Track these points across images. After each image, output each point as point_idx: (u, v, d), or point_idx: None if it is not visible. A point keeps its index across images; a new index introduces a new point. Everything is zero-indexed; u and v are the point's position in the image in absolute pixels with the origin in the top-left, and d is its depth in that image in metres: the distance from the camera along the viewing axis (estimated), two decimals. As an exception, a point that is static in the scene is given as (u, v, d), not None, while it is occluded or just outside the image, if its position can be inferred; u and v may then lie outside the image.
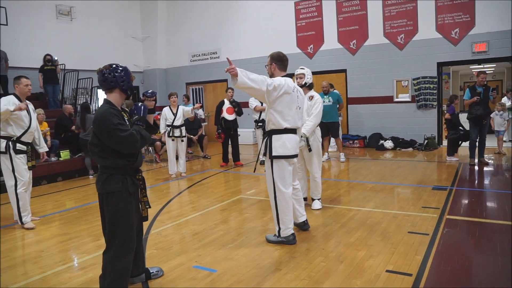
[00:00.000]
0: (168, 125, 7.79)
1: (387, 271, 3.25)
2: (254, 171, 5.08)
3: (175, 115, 7.80)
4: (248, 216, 5.03)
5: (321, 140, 5.19)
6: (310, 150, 4.94)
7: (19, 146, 4.83)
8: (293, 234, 3.96)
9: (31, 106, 5.08)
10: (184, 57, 14.26)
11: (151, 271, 3.28)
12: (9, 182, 4.82)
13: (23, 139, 4.87)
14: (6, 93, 9.48)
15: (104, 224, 2.88)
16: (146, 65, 14.57)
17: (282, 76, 3.87)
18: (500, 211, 4.82)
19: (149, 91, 3.23)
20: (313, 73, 5.51)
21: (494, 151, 9.04)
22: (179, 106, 7.99)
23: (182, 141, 7.90)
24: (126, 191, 2.81)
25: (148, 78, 14.69)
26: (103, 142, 2.75)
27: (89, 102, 9.99)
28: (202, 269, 3.45)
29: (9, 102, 4.71)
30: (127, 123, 2.85)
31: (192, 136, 10.28)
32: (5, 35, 9.98)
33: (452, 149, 8.28)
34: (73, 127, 8.45)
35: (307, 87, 5.03)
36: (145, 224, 4.76)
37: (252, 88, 3.59)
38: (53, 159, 8.04)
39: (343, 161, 8.70)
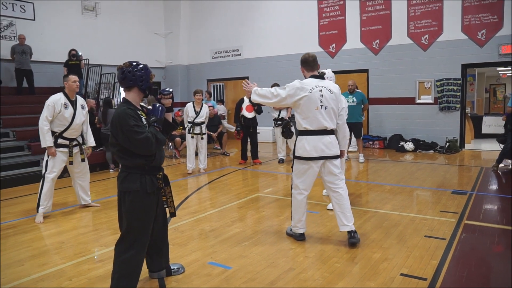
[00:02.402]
0: (189, 122, 7.88)
1: (401, 274, 3.23)
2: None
3: (197, 113, 7.87)
4: (264, 215, 5.06)
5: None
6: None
7: (60, 141, 5.09)
8: (302, 234, 4.06)
9: (80, 102, 5.29)
10: (206, 54, 14.38)
11: (172, 268, 3.33)
12: (43, 170, 5.09)
13: (65, 135, 5.11)
14: (32, 87, 9.80)
15: (121, 219, 2.95)
16: (168, 61, 14.75)
17: (310, 77, 3.94)
18: (521, 218, 4.71)
19: (166, 89, 3.23)
20: (334, 72, 5.44)
21: None
22: (203, 104, 8.08)
23: (202, 138, 7.98)
24: (144, 191, 2.83)
25: (170, 74, 14.88)
26: (120, 142, 2.80)
27: (111, 97, 10.18)
28: (217, 265, 3.50)
29: (58, 102, 5.00)
30: (145, 123, 2.86)
31: (212, 133, 10.37)
32: (32, 30, 10.30)
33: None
34: (96, 121, 8.65)
35: None
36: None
37: (264, 102, 3.98)
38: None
39: (362, 162, 8.63)
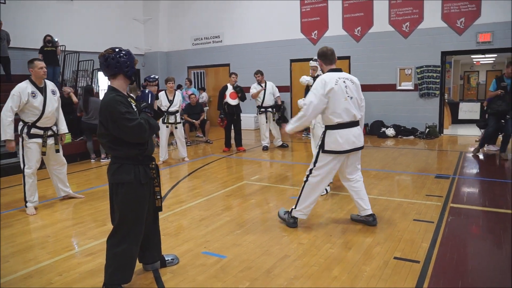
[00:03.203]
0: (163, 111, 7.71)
1: (395, 258, 3.29)
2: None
3: (171, 101, 7.71)
4: (253, 202, 5.05)
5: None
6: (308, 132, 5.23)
7: (34, 130, 4.82)
8: (296, 221, 4.06)
9: (50, 88, 4.98)
10: (186, 41, 14.13)
11: (166, 259, 3.28)
12: (21, 164, 4.88)
13: (38, 124, 4.85)
14: (8, 74, 9.41)
15: (112, 212, 2.86)
16: (148, 47, 14.43)
17: (329, 71, 3.88)
18: (501, 200, 4.86)
19: (151, 76, 3.15)
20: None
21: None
22: (176, 92, 7.94)
23: (177, 127, 7.87)
24: (138, 182, 2.75)
25: (149, 61, 14.56)
26: (111, 132, 2.69)
27: (89, 84, 9.88)
28: (212, 255, 3.47)
29: (24, 91, 4.68)
30: (135, 110, 2.78)
31: (194, 121, 10.26)
32: (3, 14, 9.82)
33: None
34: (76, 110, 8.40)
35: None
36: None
37: (305, 121, 3.87)
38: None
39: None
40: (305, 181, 3.95)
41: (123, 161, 2.76)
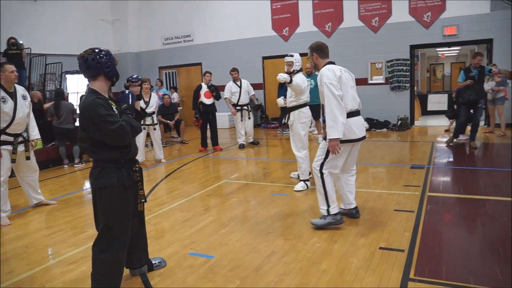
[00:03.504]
0: None
1: (380, 248, 3.36)
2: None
3: (147, 103, 7.59)
4: (235, 201, 5.04)
5: (304, 121, 5.35)
6: (285, 124, 5.39)
7: (4, 137, 4.63)
8: (340, 212, 3.87)
9: (20, 93, 4.80)
10: (157, 40, 13.92)
11: (153, 262, 3.22)
12: None
13: (9, 130, 4.67)
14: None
15: (97, 217, 2.77)
16: (117, 49, 14.11)
17: (328, 63, 3.80)
18: (475, 187, 5.05)
19: (134, 76, 3.06)
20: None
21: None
22: (152, 94, 7.83)
23: (155, 129, 7.80)
24: (121, 185, 2.68)
25: (119, 62, 13.81)
26: (92, 135, 2.60)
27: (60, 88, 9.58)
28: (199, 255, 3.44)
29: None
30: (116, 112, 2.70)
31: (168, 122, 10.12)
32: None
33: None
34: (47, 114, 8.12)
35: (295, 73, 5.22)
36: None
37: (342, 113, 3.58)
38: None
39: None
40: (322, 178, 3.77)
41: (105, 164, 2.68)
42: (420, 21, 10.06)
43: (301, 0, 11.37)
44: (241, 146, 8.94)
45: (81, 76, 12.42)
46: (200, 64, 13.28)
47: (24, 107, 4.79)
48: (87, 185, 6.49)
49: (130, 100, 2.84)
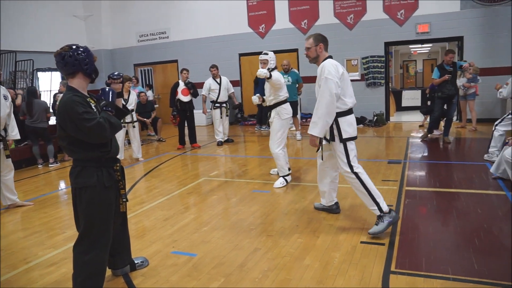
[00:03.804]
0: None
1: (361, 242, 3.42)
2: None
3: (126, 100, 7.49)
4: (216, 198, 5.02)
5: (286, 117, 5.34)
6: (268, 125, 5.20)
7: None
8: (389, 210, 3.58)
9: (2, 93, 4.71)
10: (131, 37, 13.66)
11: (136, 262, 3.18)
12: None
13: None
14: None
15: (77, 218, 2.71)
16: (90, 46, 13.68)
17: (327, 57, 3.66)
18: (449, 180, 5.21)
19: (115, 73, 3.00)
20: None
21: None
22: (131, 91, 7.74)
23: (134, 126, 7.75)
24: (101, 185, 2.63)
25: (92, 59, 13.89)
26: (70, 134, 2.55)
27: (33, 86, 9.28)
28: (181, 254, 3.42)
29: None
30: (95, 110, 2.65)
31: (145, 120, 9.98)
32: None
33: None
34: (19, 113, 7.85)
35: (271, 71, 5.18)
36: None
37: (332, 111, 3.48)
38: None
39: (299, 139, 8.89)
40: (359, 178, 3.57)
41: (85, 163, 2.63)
42: (394, 18, 10.26)
43: (278, -3, 11.39)
44: (220, 143, 8.91)
45: (54, 73, 12.11)
46: (176, 61, 13.13)
47: (5, 107, 4.74)
48: (63, 185, 6.34)
49: (110, 97, 2.77)
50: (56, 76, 12.39)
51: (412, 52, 20.60)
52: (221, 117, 8.90)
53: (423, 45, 16.86)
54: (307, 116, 11.22)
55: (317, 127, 3.51)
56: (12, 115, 5.02)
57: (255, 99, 5.60)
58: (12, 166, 5.06)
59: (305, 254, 3.27)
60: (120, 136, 7.51)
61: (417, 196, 4.64)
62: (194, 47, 12.71)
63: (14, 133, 5.00)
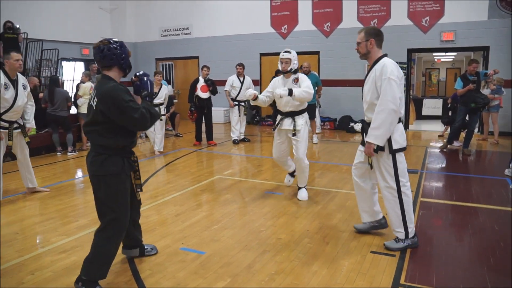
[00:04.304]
0: None
1: (371, 252, 3.37)
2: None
3: (156, 94, 7.76)
4: (228, 197, 5.03)
5: (309, 122, 4.92)
6: (294, 134, 4.60)
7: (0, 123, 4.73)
8: (413, 235, 3.41)
9: (21, 82, 4.88)
10: (155, 32, 13.80)
11: (145, 248, 3.28)
12: None
13: (4, 117, 4.74)
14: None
15: (100, 205, 2.77)
16: (114, 38, 13.92)
17: (382, 56, 3.28)
18: (467, 194, 5.09)
19: (141, 72, 3.12)
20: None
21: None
22: (162, 85, 7.94)
23: (161, 119, 7.89)
24: (124, 173, 2.75)
25: (115, 52, 14.08)
26: (109, 119, 2.62)
27: (56, 74, 9.47)
28: (190, 251, 3.43)
29: None
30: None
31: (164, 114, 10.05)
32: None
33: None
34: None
35: (293, 72, 4.62)
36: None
37: (394, 119, 3.13)
38: (17, 134, 7.65)
39: (315, 143, 8.83)
40: (400, 198, 3.27)
41: (112, 152, 2.71)
42: (418, 25, 10.09)
43: (301, -2, 11.35)
44: (235, 142, 8.93)
45: (78, 63, 12.32)
46: (197, 57, 13.20)
47: (24, 96, 4.89)
48: (80, 173, 6.45)
49: (150, 87, 2.92)
50: (80, 66, 12.61)
51: (435, 60, 20.25)
52: (239, 116, 8.93)
53: (447, 54, 16.55)
54: (324, 120, 11.15)
55: (379, 135, 3.15)
56: (32, 103, 5.19)
57: (250, 91, 4.61)
58: (26, 146, 5.21)
59: (314, 260, 3.24)
60: (157, 127, 7.76)
61: (432, 208, 4.56)
62: (215, 44, 12.75)
63: (33, 122, 5.23)
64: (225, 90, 8.89)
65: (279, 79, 4.80)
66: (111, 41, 2.74)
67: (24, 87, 4.93)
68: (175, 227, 3.99)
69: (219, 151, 8.15)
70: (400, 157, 3.30)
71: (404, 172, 3.30)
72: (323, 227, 3.96)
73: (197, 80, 8.61)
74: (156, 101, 7.67)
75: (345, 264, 3.15)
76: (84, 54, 13.02)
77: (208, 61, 11.85)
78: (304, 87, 4.48)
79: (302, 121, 4.71)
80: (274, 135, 4.93)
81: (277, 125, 4.83)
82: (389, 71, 3.09)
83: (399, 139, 3.26)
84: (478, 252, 3.41)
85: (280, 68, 4.68)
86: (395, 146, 3.23)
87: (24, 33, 9.83)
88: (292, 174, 5.25)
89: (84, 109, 7.60)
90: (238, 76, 8.88)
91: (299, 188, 4.94)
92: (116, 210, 2.73)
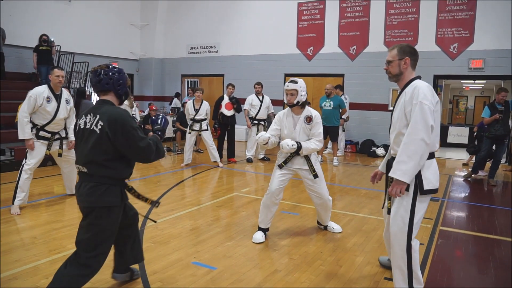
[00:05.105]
0: (190, 119, 8.21)
1: (385, 278, 3.29)
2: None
3: (197, 110, 8.11)
4: (244, 215, 5.02)
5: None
6: (316, 176, 4.07)
7: (42, 133, 5.04)
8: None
9: (65, 97, 5.20)
10: (182, 49, 14.15)
11: (134, 271, 3.15)
12: (23, 160, 5.01)
13: (47, 128, 5.06)
14: (2, 71, 9.31)
15: (84, 234, 2.55)
16: (143, 53, 14.40)
17: (415, 78, 2.80)
18: (490, 226, 4.91)
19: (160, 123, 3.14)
20: (311, 75, 4.92)
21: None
22: (203, 102, 8.23)
23: (200, 134, 8.20)
24: (123, 204, 2.67)
25: (144, 67, 14.53)
26: (113, 147, 2.50)
27: (84, 87, 9.81)
28: (202, 265, 3.43)
29: (40, 95, 4.91)
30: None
31: (185, 129, 10.20)
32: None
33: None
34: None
35: (300, 105, 4.02)
36: (141, 217, 4.71)
37: (424, 152, 2.58)
38: (44, 142, 7.92)
39: (336, 165, 8.76)
40: (409, 254, 2.69)
41: (112, 182, 2.56)
42: (446, 51, 10.00)
43: (328, 20, 11.44)
44: (249, 160, 8.94)
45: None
46: (222, 75, 13.43)
47: (65, 110, 5.18)
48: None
49: (164, 124, 2.89)
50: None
51: (464, 87, 19.91)
52: (257, 134, 8.96)
53: (475, 81, 16.26)
54: (346, 143, 11.06)
55: (407, 170, 2.58)
56: (73, 118, 5.38)
57: (264, 136, 4.08)
58: (73, 160, 5.36)
59: (325, 282, 3.19)
60: (188, 142, 8.18)
61: (452, 237, 4.42)
62: (241, 63, 12.96)
63: (71, 136, 5.37)
64: (244, 109, 8.97)
65: (285, 115, 4.13)
66: (109, 66, 2.68)
67: (67, 102, 5.23)
68: (189, 241, 4.00)
69: (238, 169, 8.18)
70: (423, 203, 2.70)
71: (419, 224, 2.72)
72: (337, 249, 3.89)
73: (222, 98, 8.75)
74: (197, 117, 8.09)
75: (357, 289, 3.09)
76: (114, 68, 13.43)
77: (233, 79, 12.03)
78: (316, 136, 4.00)
79: (315, 158, 4.18)
80: (275, 169, 4.24)
81: (285, 162, 4.13)
82: (422, 94, 2.58)
83: (432, 178, 2.69)
84: (497, 286, 3.27)
85: (285, 101, 4.11)
86: (426, 186, 2.66)
87: (58, 45, 10.27)
88: (266, 230, 4.25)
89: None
90: (257, 95, 8.96)
91: (325, 226, 4.49)
92: (108, 243, 2.62)
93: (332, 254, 3.79)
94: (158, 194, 5.83)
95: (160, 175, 7.31)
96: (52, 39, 10.02)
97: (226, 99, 8.64)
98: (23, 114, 4.84)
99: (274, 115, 10.33)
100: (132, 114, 9.52)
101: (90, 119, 2.55)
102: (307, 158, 4.08)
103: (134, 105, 9.81)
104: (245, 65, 12.87)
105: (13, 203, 4.82)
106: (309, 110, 4.07)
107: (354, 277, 3.29)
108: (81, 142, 2.59)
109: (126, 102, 9.04)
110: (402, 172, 2.59)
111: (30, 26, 10.42)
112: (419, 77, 2.81)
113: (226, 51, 13.27)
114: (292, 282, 3.18)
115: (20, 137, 4.87)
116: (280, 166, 4.13)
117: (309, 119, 4.01)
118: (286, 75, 12.29)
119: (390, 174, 2.69)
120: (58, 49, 10.41)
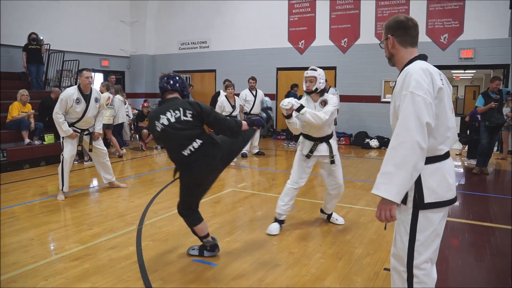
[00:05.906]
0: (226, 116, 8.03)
1: (385, 269, 3.31)
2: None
3: (234, 106, 8.09)
4: (242, 210, 5.03)
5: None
6: (332, 162, 4.12)
7: (72, 128, 5.42)
8: None
9: (94, 95, 5.54)
10: (173, 45, 14.06)
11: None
12: (60, 156, 5.50)
13: (77, 125, 5.49)
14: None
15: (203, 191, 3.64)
16: (133, 50, 14.27)
17: (414, 58, 2.08)
18: (485, 214, 4.98)
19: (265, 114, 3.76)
20: (303, 69, 4.76)
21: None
22: (236, 97, 8.19)
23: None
24: None
25: (135, 63, 14.41)
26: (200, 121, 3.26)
27: (73, 85, 9.71)
28: (202, 262, 3.43)
29: (70, 97, 5.30)
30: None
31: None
32: (-12, 11, 9.59)
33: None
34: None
35: (318, 93, 4.08)
36: (138, 215, 4.72)
37: (418, 158, 1.86)
38: (37, 142, 7.83)
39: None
40: (411, 283, 2.04)
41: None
42: (437, 42, 10.05)
43: (319, 13, 11.43)
44: (244, 155, 8.94)
45: (96, 74, 12.60)
46: (214, 70, 13.37)
47: (94, 109, 5.60)
48: (95, 182, 6.54)
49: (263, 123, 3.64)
50: (99, 77, 12.90)
51: (454, 77, 20.07)
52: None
53: (465, 71, 16.39)
54: (340, 135, 11.10)
55: (392, 183, 1.88)
56: (102, 113, 5.91)
57: (286, 104, 3.96)
58: (105, 151, 5.90)
59: (326, 275, 3.21)
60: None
61: (448, 226, 4.46)
62: (233, 58, 12.91)
63: (99, 128, 5.77)
64: (239, 105, 8.94)
65: (306, 101, 4.17)
66: (173, 74, 3.49)
67: (96, 100, 5.58)
68: (188, 238, 3.99)
69: (232, 164, 8.16)
70: (427, 220, 1.98)
71: (426, 246, 2.01)
72: (336, 242, 3.92)
73: (218, 94, 8.77)
74: (234, 113, 8.09)
75: (357, 281, 3.11)
76: (104, 65, 13.33)
77: (225, 75, 12.01)
78: (324, 111, 3.98)
79: (335, 144, 4.22)
80: (299, 159, 4.22)
81: (311, 151, 4.14)
82: (413, 83, 1.90)
83: (437, 187, 1.98)
84: (495, 274, 3.32)
85: (304, 88, 4.12)
86: (429, 199, 1.97)
87: (47, 44, 10.14)
88: (281, 222, 4.28)
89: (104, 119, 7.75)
90: (250, 90, 8.93)
91: (329, 215, 4.53)
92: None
93: (331, 246, 3.81)
94: (154, 192, 5.81)
95: (155, 173, 7.28)
96: (42, 38, 9.89)
97: (222, 95, 8.59)
98: (56, 115, 5.27)
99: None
100: (125, 111, 9.46)
101: (173, 113, 3.19)
102: (329, 145, 4.16)
103: (127, 102, 9.75)
104: (236, 60, 12.83)
105: (61, 190, 5.37)
106: (324, 96, 4.13)
107: (354, 269, 3.32)
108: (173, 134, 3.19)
109: (119, 97, 9.05)
110: (388, 187, 1.89)
111: (19, 25, 10.26)
112: (421, 57, 2.09)
113: (217, 46, 13.21)
114: (292, 276, 3.19)
115: (62, 134, 5.38)
116: (308, 156, 4.15)
117: (324, 103, 4.09)
118: (278, 69, 12.29)
119: (372, 191, 1.94)
120: (48, 48, 10.27)
